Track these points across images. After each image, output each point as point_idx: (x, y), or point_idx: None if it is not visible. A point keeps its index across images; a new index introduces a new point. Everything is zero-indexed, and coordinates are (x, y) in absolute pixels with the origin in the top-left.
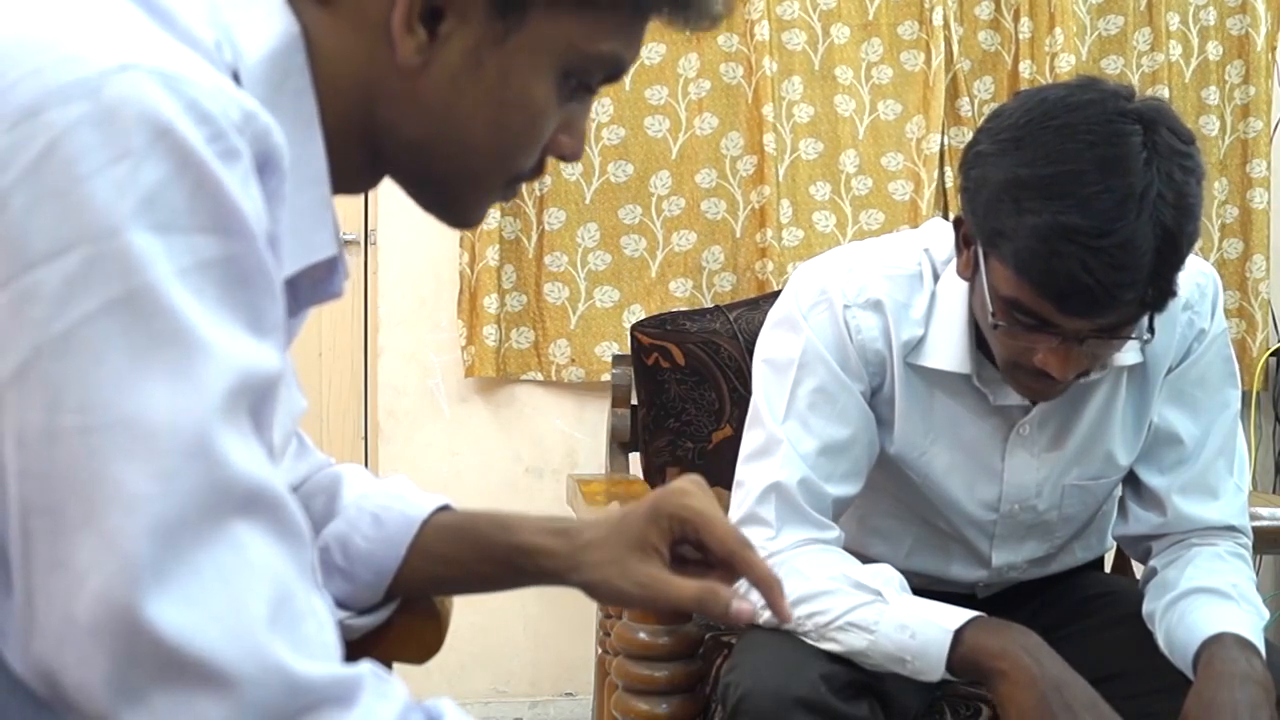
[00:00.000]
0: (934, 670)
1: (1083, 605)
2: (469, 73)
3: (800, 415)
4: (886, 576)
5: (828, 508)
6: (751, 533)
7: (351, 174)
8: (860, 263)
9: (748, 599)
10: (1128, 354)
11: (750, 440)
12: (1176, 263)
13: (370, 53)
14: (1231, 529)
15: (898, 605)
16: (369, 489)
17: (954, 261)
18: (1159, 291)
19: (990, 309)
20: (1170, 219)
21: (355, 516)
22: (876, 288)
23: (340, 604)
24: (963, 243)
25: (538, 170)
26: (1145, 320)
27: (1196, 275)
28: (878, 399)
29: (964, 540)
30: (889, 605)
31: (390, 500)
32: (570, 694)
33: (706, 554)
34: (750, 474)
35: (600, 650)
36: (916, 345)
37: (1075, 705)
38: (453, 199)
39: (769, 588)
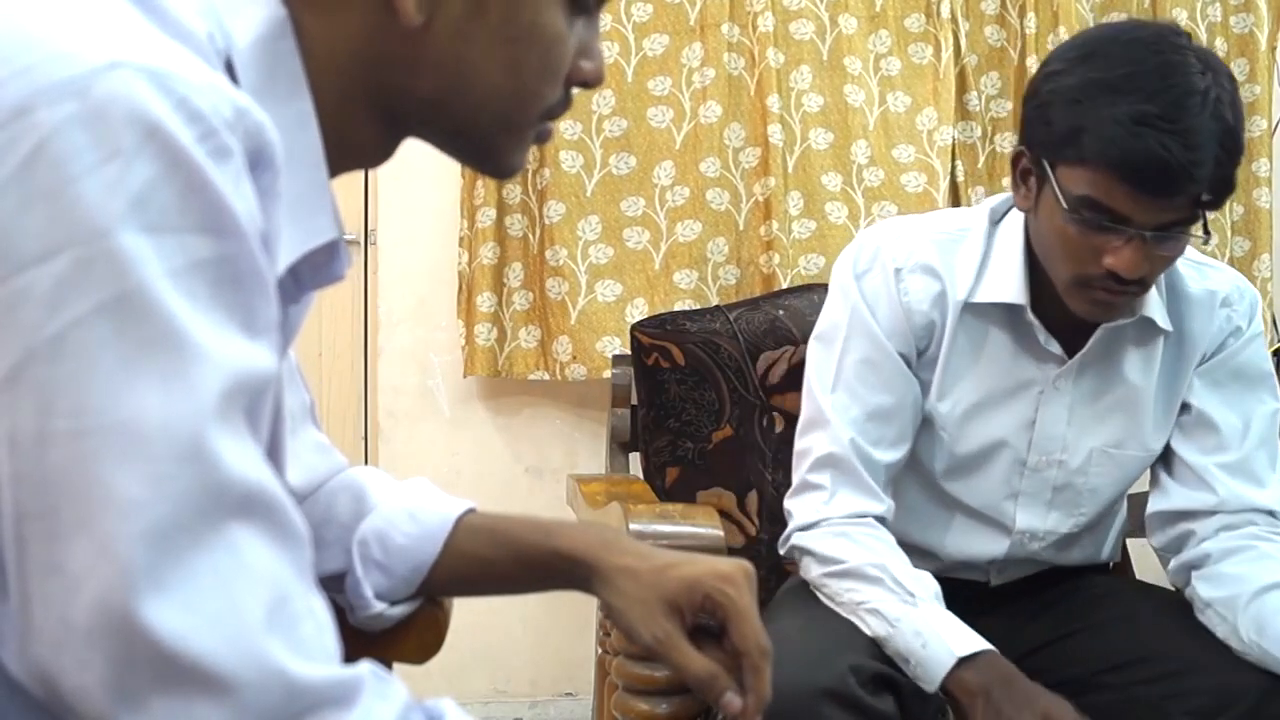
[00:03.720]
0: (931, 683)
1: (1091, 601)
2: (473, 18)
3: (848, 385)
4: (926, 584)
5: (880, 474)
6: (806, 499)
7: (365, 148)
8: (908, 230)
9: (741, 698)
10: (1155, 310)
11: (805, 411)
12: (1235, 154)
13: (365, 22)
14: (1274, 514)
15: (924, 612)
16: (398, 489)
17: (1011, 213)
18: (1220, 182)
19: (1065, 206)
20: (1229, 115)
21: (392, 513)
22: (925, 252)
23: (377, 596)
24: (1020, 178)
25: (565, 104)
26: (1202, 223)
27: (1237, 280)
28: (922, 361)
29: (987, 504)
30: (916, 609)
31: (423, 499)
32: (570, 694)
33: (724, 639)
34: (807, 444)
35: (600, 650)
36: (974, 286)
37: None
38: (487, 147)
39: (756, 705)
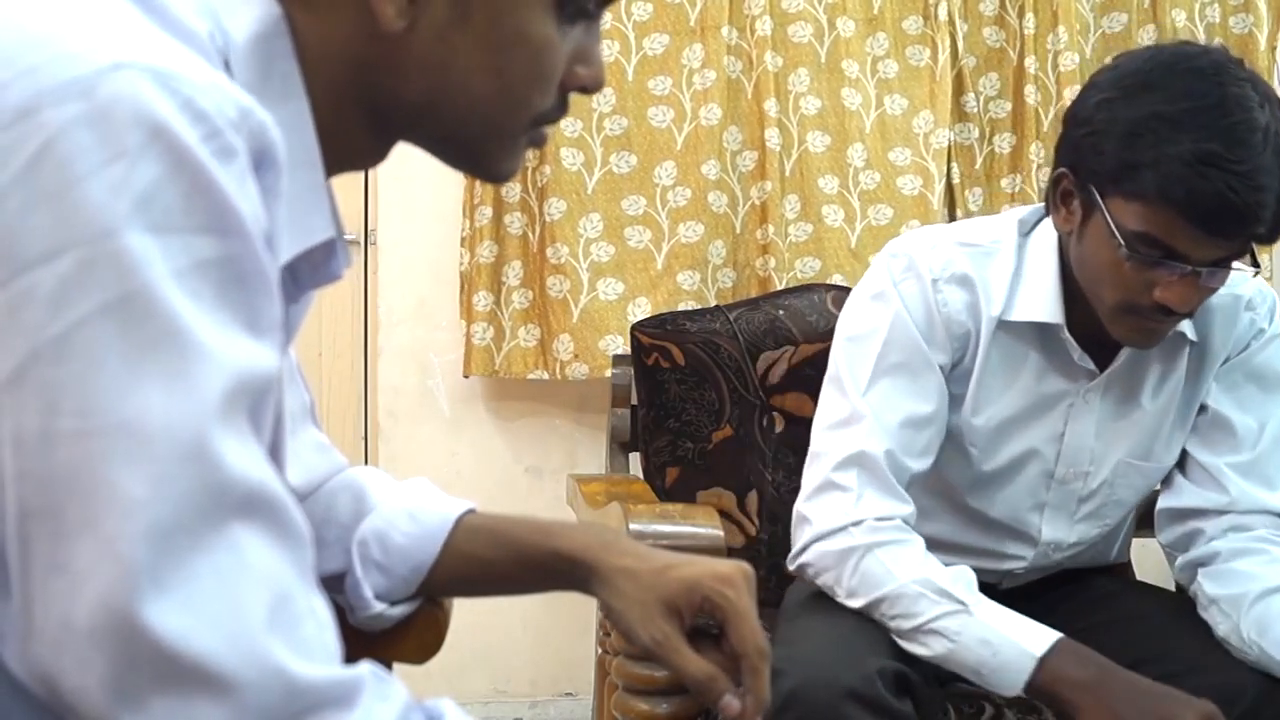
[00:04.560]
0: (1010, 688)
1: (1093, 602)
2: (457, 24)
3: (885, 388)
4: (968, 580)
5: (907, 482)
6: (829, 500)
7: (357, 150)
8: (941, 240)
9: (740, 699)
10: (1184, 322)
11: (831, 411)
12: None
13: (352, 26)
14: None
15: (982, 617)
16: (398, 489)
17: (1038, 229)
18: (1278, 218)
19: (1121, 242)
20: None
21: (392, 513)
22: (960, 263)
23: (377, 596)
24: (1060, 199)
25: (560, 109)
26: (1251, 254)
27: (1259, 283)
28: (956, 372)
29: (1013, 517)
30: (973, 617)
31: (423, 499)
32: (570, 694)
33: (723, 641)
34: (830, 443)
35: (600, 650)
36: (1008, 303)
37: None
38: (477, 153)
39: (755, 707)
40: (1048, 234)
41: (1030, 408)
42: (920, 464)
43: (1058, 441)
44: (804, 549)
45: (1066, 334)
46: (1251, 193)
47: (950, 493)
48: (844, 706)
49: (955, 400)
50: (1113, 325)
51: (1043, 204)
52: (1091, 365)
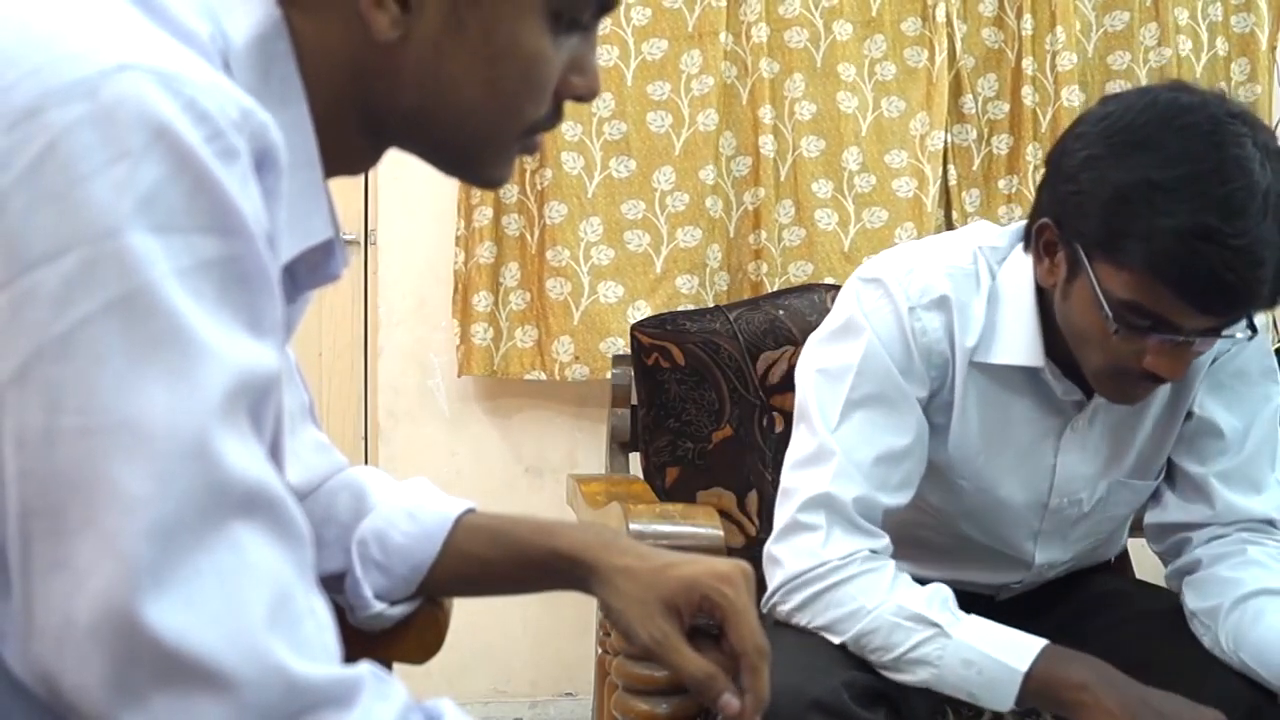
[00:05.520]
0: (1001, 704)
1: (1094, 604)
2: (451, 34)
3: (857, 423)
4: (943, 600)
5: (879, 519)
6: (797, 543)
7: (351, 154)
8: (919, 262)
9: (740, 698)
10: None
11: (800, 447)
12: None
13: (348, 34)
14: (1272, 523)
15: (960, 638)
16: (397, 488)
17: (1010, 260)
18: (1278, 292)
19: (1108, 313)
20: None
21: (391, 513)
22: (940, 285)
23: (377, 596)
24: (1043, 250)
25: (555, 117)
26: (1248, 320)
27: None
28: (935, 402)
29: (1006, 544)
30: (952, 640)
31: (422, 499)
32: (570, 694)
33: (722, 639)
34: (800, 481)
35: (600, 650)
36: (981, 343)
37: (1168, 714)
38: (470, 160)
39: (754, 706)
40: (1021, 267)
41: (1018, 446)
42: (897, 498)
43: (1049, 474)
44: (775, 591)
45: (1047, 375)
46: (1249, 269)
47: (943, 522)
48: (809, 717)
49: (938, 431)
50: (1097, 384)
51: (1012, 229)
52: (1078, 394)
